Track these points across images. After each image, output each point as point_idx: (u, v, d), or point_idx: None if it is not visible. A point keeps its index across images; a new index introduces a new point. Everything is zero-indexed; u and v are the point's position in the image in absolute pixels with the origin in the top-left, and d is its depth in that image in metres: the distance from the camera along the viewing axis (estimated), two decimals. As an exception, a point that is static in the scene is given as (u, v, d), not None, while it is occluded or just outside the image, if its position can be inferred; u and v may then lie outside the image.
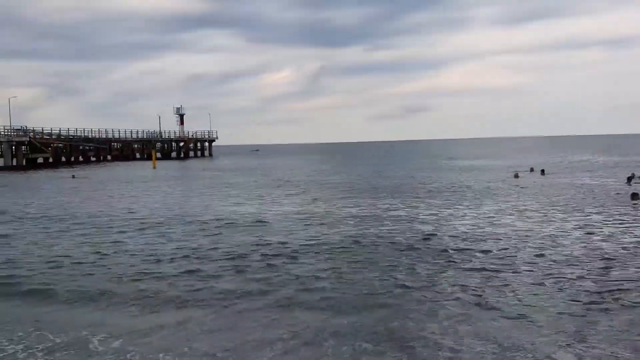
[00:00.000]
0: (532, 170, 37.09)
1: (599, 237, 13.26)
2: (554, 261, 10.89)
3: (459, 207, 19.72)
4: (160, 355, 6.72)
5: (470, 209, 19.12)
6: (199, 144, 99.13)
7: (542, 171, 35.73)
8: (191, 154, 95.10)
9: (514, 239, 13.33)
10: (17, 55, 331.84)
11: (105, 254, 12.73)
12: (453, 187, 28.10)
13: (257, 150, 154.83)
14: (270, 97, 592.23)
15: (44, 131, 70.47)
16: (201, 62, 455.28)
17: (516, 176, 32.82)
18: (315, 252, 12.25)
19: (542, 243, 12.69)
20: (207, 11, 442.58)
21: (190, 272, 10.75)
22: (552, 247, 12.26)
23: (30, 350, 7.01)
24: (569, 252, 11.67)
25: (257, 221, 17.17)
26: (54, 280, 10.42)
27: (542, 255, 11.41)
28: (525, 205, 19.43)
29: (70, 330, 7.66)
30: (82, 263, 11.88)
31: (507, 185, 28.03)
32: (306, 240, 13.73)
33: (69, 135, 74.24)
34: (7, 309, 8.85)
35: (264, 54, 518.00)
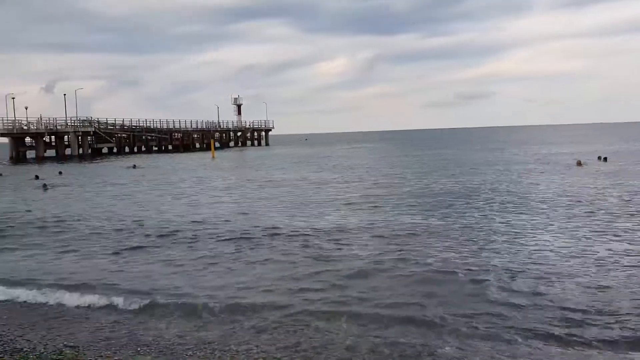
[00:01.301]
0: (599, 158, 35.64)
1: None
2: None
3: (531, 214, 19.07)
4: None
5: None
6: (255, 134, 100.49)
7: (605, 159, 34.50)
8: (248, 143, 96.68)
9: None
10: (79, 48, 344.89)
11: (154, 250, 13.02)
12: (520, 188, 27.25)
13: (306, 139, 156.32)
14: (324, 86, 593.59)
15: (108, 122, 73.10)
16: (255, 53, 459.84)
17: (579, 164, 31.75)
18: (395, 266, 10.50)
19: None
20: (261, 1, 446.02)
21: (256, 275, 10.75)
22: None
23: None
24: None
25: (327, 225, 15.07)
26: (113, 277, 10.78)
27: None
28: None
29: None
30: (150, 250, 12.32)
31: (579, 174, 27.15)
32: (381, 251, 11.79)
33: (131, 126, 76.68)
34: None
35: (317, 43, 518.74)
